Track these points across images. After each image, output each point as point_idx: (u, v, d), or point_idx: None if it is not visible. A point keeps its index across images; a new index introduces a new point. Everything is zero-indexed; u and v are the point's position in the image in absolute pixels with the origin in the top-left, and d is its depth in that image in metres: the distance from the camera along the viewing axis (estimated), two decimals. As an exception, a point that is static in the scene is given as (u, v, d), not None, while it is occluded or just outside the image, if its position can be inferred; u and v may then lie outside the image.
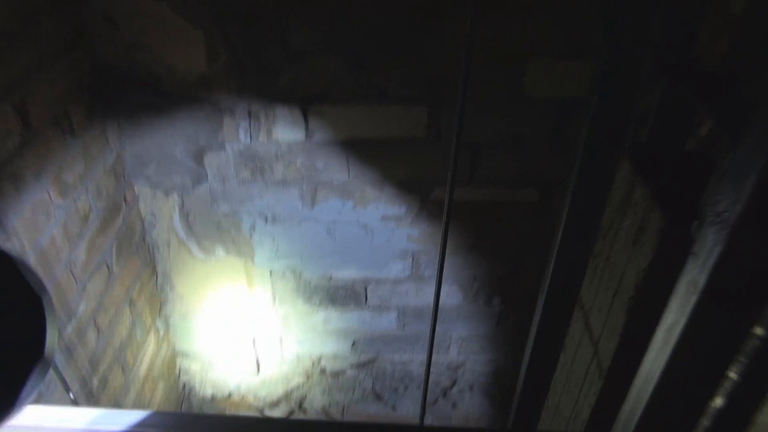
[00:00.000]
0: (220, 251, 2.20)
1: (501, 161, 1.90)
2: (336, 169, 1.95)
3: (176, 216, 2.12)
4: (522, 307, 2.30)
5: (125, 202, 2.03)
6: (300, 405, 2.78)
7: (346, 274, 2.23)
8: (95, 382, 1.91)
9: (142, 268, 2.19)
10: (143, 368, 2.27)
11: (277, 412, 2.87)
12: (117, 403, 2.07)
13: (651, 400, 0.91)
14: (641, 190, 1.14)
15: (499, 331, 2.40)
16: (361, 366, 2.58)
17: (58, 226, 1.62)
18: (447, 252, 2.19)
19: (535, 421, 1.94)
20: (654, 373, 0.90)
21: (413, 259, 2.18)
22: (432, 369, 2.56)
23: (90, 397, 1.88)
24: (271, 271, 2.24)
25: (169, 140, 1.92)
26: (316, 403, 2.78)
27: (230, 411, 2.89)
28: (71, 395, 1.70)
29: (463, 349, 2.50)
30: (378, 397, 2.71)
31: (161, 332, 2.41)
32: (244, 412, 2.86)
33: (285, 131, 1.87)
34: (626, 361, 1.21)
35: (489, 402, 2.69)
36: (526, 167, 1.92)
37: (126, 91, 1.82)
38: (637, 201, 1.14)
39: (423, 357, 2.52)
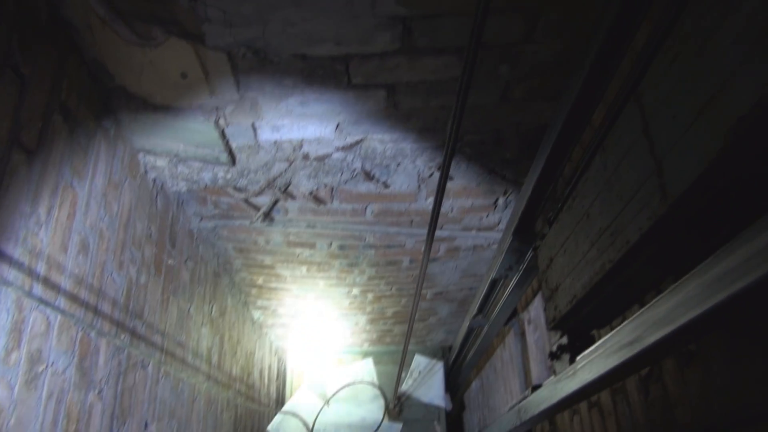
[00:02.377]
0: (158, 34, 1.72)
1: None
2: None
3: (89, -12, 1.59)
4: (537, 76, 1.93)
5: (11, -23, 1.48)
6: (285, 191, 2.57)
7: (322, 50, 1.79)
8: (41, 212, 1.62)
9: (62, 59, 1.72)
10: (99, 177, 1.96)
11: (264, 201, 2.67)
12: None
13: None
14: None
15: (505, 103, 2.06)
16: (347, 148, 2.30)
17: None
18: (444, 12, 1.75)
19: (548, 222, 1.75)
20: None
21: (404, 27, 1.73)
22: (425, 144, 2.30)
23: (37, 229, 1.61)
24: (229, 54, 1.79)
25: None
26: (303, 188, 2.57)
27: (212, 199, 2.69)
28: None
29: (463, 122, 2.19)
30: (369, 176, 2.49)
31: (111, 132, 2.05)
32: (224, 197, 2.67)
33: None
34: (710, 197, 0.93)
35: (488, 173, 2.49)
36: None
37: None
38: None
39: (417, 134, 2.22)
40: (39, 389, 1.62)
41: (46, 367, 1.65)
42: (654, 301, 1.10)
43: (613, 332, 1.29)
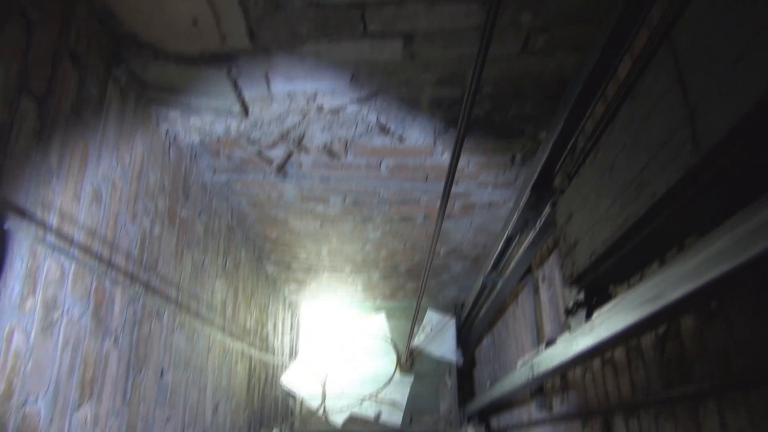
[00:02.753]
0: (168, -25, 1.66)
1: None
2: None
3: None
4: (560, 26, 1.84)
5: None
6: (299, 144, 2.53)
7: (337, -5, 1.72)
8: (53, 159, 1.60)
9: (71, 4, 1.67)
10: (111, 128, 1.94)
11: (277, 154, 2.64)
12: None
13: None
14: None
15: (526, 54, 1.99)
16: (362, 100, 2.24)
17: None
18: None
19: (568, 173, 1.70)
20: None
21: (423, -31, 1.65)
22: (443, 96, 2.23)
23: (49, 179, 1.59)
24: (240, 0, 1.73)
25: None
26: (317, 141, 2.53)
27: (225, 151, 2.66)
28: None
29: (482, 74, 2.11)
30: (384, 129, 2.44)
31: (122, 81, 2.01)
32: (237, 150, 2.64)
33: None
34: (744, 148, 0.88)
35: (507, 127, 2.42)
36: None
37: None
38: None
39: (434, 86, 2.15)
40: (55, 336, 1.63)
41: (62, 314, 1.67)
42: (679, 256, 1.06)
43: (633, 288, 1.26)
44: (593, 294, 1.69)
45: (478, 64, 1.28)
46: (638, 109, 1.23)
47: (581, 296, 1.72)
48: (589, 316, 1.63)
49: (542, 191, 2.14)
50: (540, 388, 3.05)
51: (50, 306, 1.61)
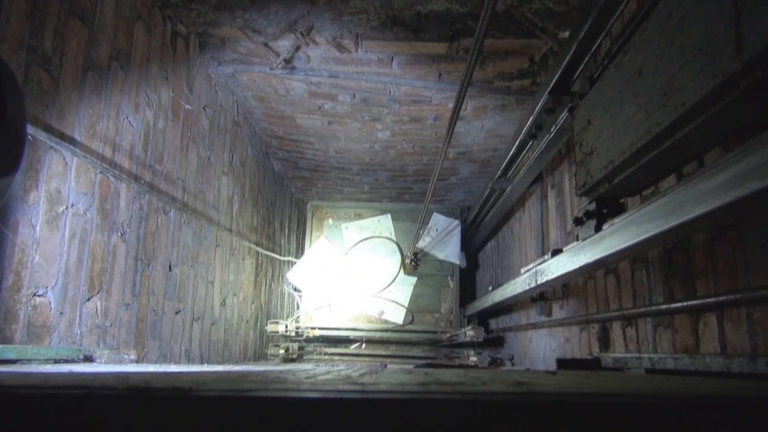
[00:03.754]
0: None
1: None
2: None
3: None
4: None
5: None
6: (307, 35, 2.40)
7: None
8: (47, 44, 1.51)
9: None
10: (109, 10, 1.82)
11: (284, 45, 2.51)
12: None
13: None
14: None
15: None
16: (376, -11, 2.09)
17: None
18: None
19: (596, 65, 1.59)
20: None
21: None
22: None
23: (45, 64, 1.51)
24: None
25: None
26: (326, 33, 2.39)
27: (230, 42, 2.53)
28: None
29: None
30: (397, 21, 2.30)
31: (118, -41, 1.86)
32: (243, 40, 2.51)
33: None
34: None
35: (527, 26, 2.27)
36: None
37: None
38: None
39: (453, -25, 2.00)
40: (61, 229, 1.63)
41: (67, 208, 1.65)
42: (702, 171, 1.01)
43: (648, 201, 1.22)
44: (605, 205, 1.65)
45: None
46: (677, 7, 1.12)
47: (592, 206, 1.68)
48: (599, 227, 1.60)
49: (560, 95, 2.04)
50: (541, 294, 3.10)
51: (54, 199, 1.59)
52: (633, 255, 1.63)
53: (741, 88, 0.93)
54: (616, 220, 1.43)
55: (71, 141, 1.65)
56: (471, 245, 5.21)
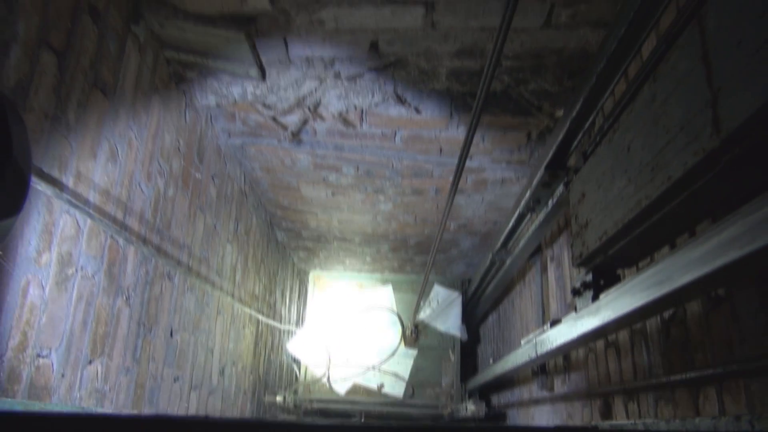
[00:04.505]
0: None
1: None
2: None
3: None
4: (583, 1, 1.81)
5: None
6: (314, 110, 2.52)
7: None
8: (71, 115, 1.61)
9: (92, -40, 1.67)
10: (129, 86, 1.94)
11: (292, 120, 2.63)
12: (105, 128, 1.81)
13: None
14: None
15: (548, 28, 1.95)
16: (380, 68, 2.22)
17: None
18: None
19: (586, 144, 1.68)
20: None
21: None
22: (463, 68, 2.21)
23: (67, 133, 1.60)
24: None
25: None
26: (332, 109, 2.52)
27: (241, 115, 2.66)
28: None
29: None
30: (400, 99, 2.42)
31: (141, 38, 2.00)
32: (253, 114, 2.64)
33: None
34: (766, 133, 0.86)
35: (525, 104, 2.40)
36: None
37: None
38: None
39: (454, 57, 2.13)
40: (69, 291, 1.66)
41: (76, 270, 1.70)
42: (690, 241, 1.05)
43: (641, 271, 1.26)
44: (601, 275, 1.69)
45: (501, 35, 1.26)
46: (660, 90, 1.21)
47: (589, 277, 1.71)
48: (596, 297, 1.63)
49: (556, 170, 2.12)
50: (542, 368, 3.08)
51: (65, 261, 1.63)
52: (629, 323, 1.65)
53: (721, 163, 0.99)
54: (611, 290, 1.47)
55: (85, 203, 1.72)
56: (472, 318, 5.19)
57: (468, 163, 2.96)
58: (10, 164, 1.07)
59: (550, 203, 2.34)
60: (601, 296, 1.57)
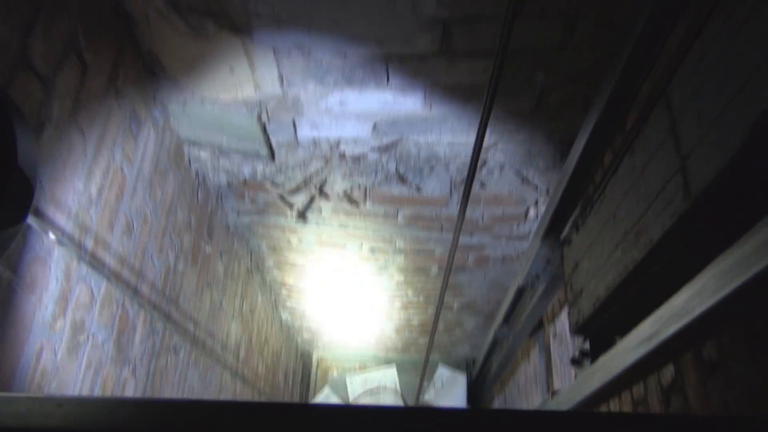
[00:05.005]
0: (210, 26, 1.82)
1: None
2: None
3: (150, -15, 1.71)
4: (572, 84, 1.97)
5: (81, -30, 1.60)
6: (320, 190, 2.65)
7: (364, 49, 1.86)
8: (93, 190, 1.73)
9: (121, 48, 1.84)
10: (147, 164, 2.07)
11: (299, 199, 2.76)
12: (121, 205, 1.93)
13: None
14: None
15: (539, 111, 2.11)
16: (383, 149, 2.37)
17: (-7, 14, 1.27)
18: (484, 15, 1.80)
19: (578, 223, 1.77)
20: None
21: (444, 29, 1.79)
22: (459, 149, 2.35)
23: (89, 206, 1.72)
24: (275, 50, 1.89)
25: None
26: (337, 188, 2.65)
27: (250, 194, 2.79)
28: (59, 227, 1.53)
29: (495, 129, 2.23)
30: (402, 178, 2.55)
31: (160, 122, 2.16)
32: (262, 193, 2.76)
33: None
34: (730, 192, 0.96)
35: (520, 182, 2.52)
36: None
37: None
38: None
39: (451, 138, 2.28)
40: (79, 358, 1.71)
41: (88, 337, 1.75)
42: (673, 296, 1.12)
43: (632, 331, 1.32)
44: (598, 343, 1.73)
45: (484, 114, 1.39)
46: (638, 160, 1.32)
47: (586, 345, 1.75)
48: (593, 363, 1.67)
49: (552, 242, 2.20)
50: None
51: (78, 328, 1.69)
52: (627, 384, 1.67)
53: (695, 224, 1.08)
54: (606, 354, 1.51)
55: (102, 269, 1.80)
56: (479, 399, 5.09)
57: (468, 241, 3.06)
58: (14, 172, 1.04)
59: (548, 276, 2.40)
60: (597, 360, 1.60)
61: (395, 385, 5.21)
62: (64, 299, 1.62)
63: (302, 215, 2.93)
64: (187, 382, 2.57)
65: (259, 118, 2.20)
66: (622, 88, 1.47)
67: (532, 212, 2.77)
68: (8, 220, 1.11)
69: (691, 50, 1.07)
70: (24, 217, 1.18)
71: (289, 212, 2.91)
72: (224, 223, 2.98)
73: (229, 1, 1.70)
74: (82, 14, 1.61)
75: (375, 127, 2.24)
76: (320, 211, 2.90)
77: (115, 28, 1.80)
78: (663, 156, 1.18)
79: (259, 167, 2.53)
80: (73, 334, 1.67)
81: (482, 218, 2.87)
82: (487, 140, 2.29)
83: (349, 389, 5.20)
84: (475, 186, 2.54)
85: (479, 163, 2.40)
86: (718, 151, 0.96)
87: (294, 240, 3.28)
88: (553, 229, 2.14)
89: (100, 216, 1.78)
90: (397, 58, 1.89)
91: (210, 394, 2.88)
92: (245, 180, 2.64)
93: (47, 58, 1.47)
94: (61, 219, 1.57)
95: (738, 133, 0.91)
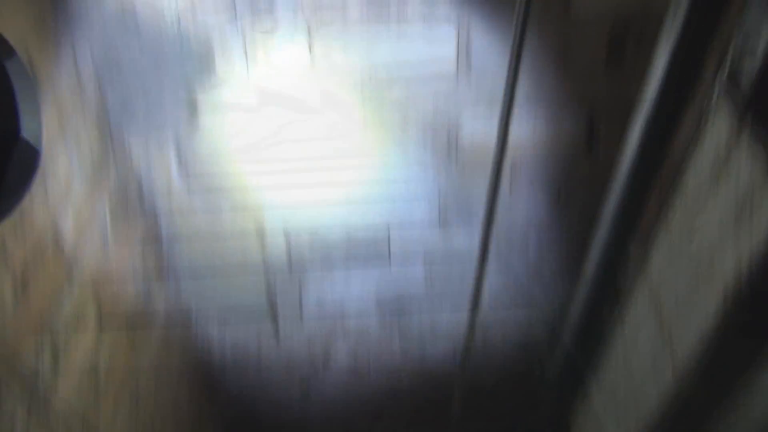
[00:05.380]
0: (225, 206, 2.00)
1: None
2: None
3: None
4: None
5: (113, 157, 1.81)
6: (324, 366, 2.64)
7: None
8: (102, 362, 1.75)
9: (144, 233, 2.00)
10: (154, 337, 2.12)
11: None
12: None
13: None
14: (749, 149, 0.86)
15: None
16: (386, 323, 2.41)
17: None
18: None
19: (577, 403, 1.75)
20: None
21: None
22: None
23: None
24: (284, 231, 2.04)
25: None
26: (342, 363, 2.64)
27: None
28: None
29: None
30: (405, 352, 2.55)
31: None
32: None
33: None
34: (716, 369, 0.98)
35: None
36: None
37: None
38: (741, 164, 0.87)
39: (450, 313, 2.34)
40: None
41: None
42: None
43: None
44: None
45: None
46: (629, 340, 1.36)
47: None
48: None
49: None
50: None
51: None
52: None
53: (683, 396, 1.09)
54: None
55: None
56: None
57: None
58: (19, 143, 1.03)
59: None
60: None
61: None
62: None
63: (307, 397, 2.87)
64: None
65: (267, 292, 2.29)
66: (600, 275, 1.55)
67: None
68: (13, 187, 1.09)
69: (660, 235, 1.16)
70: (29, 183, 1.14)
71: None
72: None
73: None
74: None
75: (378, 301, 2.30)
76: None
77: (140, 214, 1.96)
78: (647, 329, 1.21)
79: (264, 346, 2.56)
80: None
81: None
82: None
83: None
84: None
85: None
86: (694, 332, 1.00)
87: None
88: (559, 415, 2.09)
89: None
90: (398, 232, 2.02)
91: None
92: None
93: (78, 239, 1.59)
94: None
95: (707, 320, 0.95)
